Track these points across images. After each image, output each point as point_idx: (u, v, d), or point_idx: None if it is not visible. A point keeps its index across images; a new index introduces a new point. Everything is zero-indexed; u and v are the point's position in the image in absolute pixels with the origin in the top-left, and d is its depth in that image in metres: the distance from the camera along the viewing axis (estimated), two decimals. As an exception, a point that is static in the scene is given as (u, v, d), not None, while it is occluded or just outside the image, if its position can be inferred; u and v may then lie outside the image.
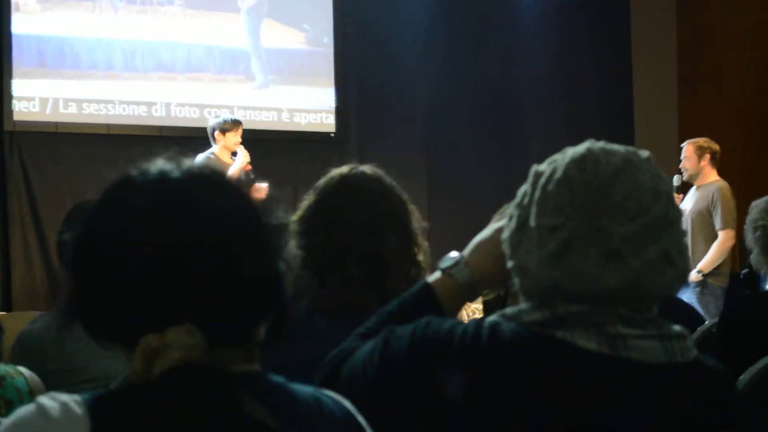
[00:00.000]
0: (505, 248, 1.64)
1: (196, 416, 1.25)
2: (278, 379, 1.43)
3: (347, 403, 1.47)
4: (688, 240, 7.24)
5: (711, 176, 7.44)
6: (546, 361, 1.52)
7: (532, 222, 1.57)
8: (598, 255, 1.52)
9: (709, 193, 7.33)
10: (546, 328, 1.54)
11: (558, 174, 1.58)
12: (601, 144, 1.62)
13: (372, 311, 1.97)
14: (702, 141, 7.50)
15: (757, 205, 3.30)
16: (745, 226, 3.35)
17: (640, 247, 1.52)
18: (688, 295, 7.19)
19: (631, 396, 1.51)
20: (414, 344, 1.61)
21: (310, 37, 10.19)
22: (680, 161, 7.54)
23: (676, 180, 7.47)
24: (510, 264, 1.63)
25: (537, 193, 1.59)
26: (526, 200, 1.61)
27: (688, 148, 7.52)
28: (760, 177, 7.70)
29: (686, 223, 7.30)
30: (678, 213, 1.59)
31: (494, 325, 1.58)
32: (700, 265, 7.19)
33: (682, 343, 1.58)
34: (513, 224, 1.63)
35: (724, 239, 7.20)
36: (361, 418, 1.47)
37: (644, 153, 1.62)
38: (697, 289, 7.24)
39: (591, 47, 10.85)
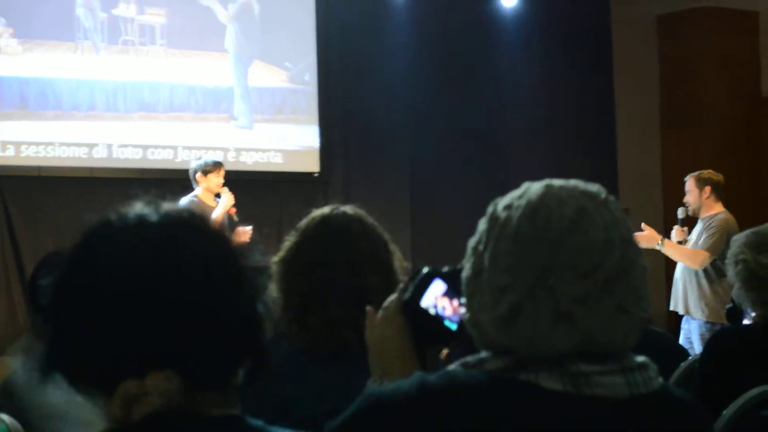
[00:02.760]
0: (463, 290, 1.63)
1: None
2: (256, 422, 1.42)
3: None
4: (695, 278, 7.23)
5: (715, 208, 7.26)
6: (510, 403, 1.50)
7: (485, 276, 1.55)
8: (548, 317, 1.49)
9: (710, 225, 7.17)
10: (508, 372, 1.52)
11: (510, 228, 1.55)
12: (558, 185, 1.60)
13: (353, 352, 1.97)
14: (705, 173, 7.33)
15: (737, 239, 3.30)
16: (726, 261, 3.34)
17: (591, 305, 1.50)
18: (700, 333, 7.15)
19: None
20: (366, 411, 1.57)
21: (292, 74, 10.21)
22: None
23: (680, 213, 7.41)
24: (466, 316, 1.61)
25: (491, 245, 1.57)
26: (481, 247, 1.59)
27: (689, 181, 7.36)
28: (743, 209, 7.70)
29: None
30: (635, 254, 1.56)
31: (453, 374, 1.56)
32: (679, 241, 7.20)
33: (644, 373, 1.56)
34: (469, 271, 1.61)
35: (698, 252, 7.06)
36: None
37: (602, 194, 1.59)
38: (708, 325, 7.09)
39: (574, 80, 10.92)
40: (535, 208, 1.56)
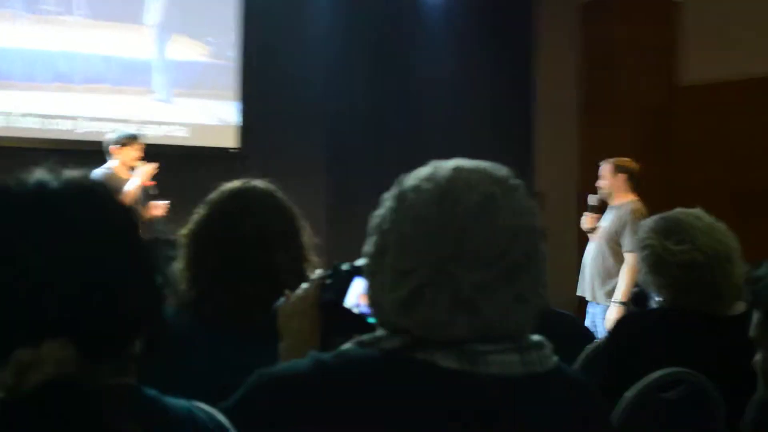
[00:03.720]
0: (364, 269, 1.62)
1: (63, 430, 1.23)
2: (151, 392, 1.41)
3: (221, 417, 1.46)
4: (616, 260, 7.21)
5: (627, 196, 7.29)
6: (406, 381, 1.49)
7: (389, 257, 1.54)
8: (449, 304, 1.48)
9: (622, 214, 7.21)
10: (405, 351, 1.51)
11: (416, 211, 1.53)
12: (467, 168, 1.57)
13: (258, 330, 1.96)
14: (620, 160, 7.37)
15: (645, 224, 3.34)
16: (634, 246, 3.40)
17: (492, 294, 1.48)
18: (602, 316, 7.18)
19: (491, 411, 1.50)
20: (261, 390, 1.57)
21: (214, 50, 10.12)
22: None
23: (591, 200, 7.42)
24: (367, 294, 1.62)
25: (396, 226, 1.55)
26: (385, 226, 1.57)
27: (604, 167, 7.39)
28: (657, 197, 7.77)
29: (600, 243, 7.30)
30: (539, 242, 1.55)
31: (349, 352, 1.55)
32: (618, 296, 7.03)
33: (540, 352, 1.56)
34: (372, 249, 1.59)
35: (633, 262, 6.80)
36: None
37: (511, 179, 1.58)
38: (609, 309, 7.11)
39: (493, 67, 10.97)
40: (442, 193, 1.54)
